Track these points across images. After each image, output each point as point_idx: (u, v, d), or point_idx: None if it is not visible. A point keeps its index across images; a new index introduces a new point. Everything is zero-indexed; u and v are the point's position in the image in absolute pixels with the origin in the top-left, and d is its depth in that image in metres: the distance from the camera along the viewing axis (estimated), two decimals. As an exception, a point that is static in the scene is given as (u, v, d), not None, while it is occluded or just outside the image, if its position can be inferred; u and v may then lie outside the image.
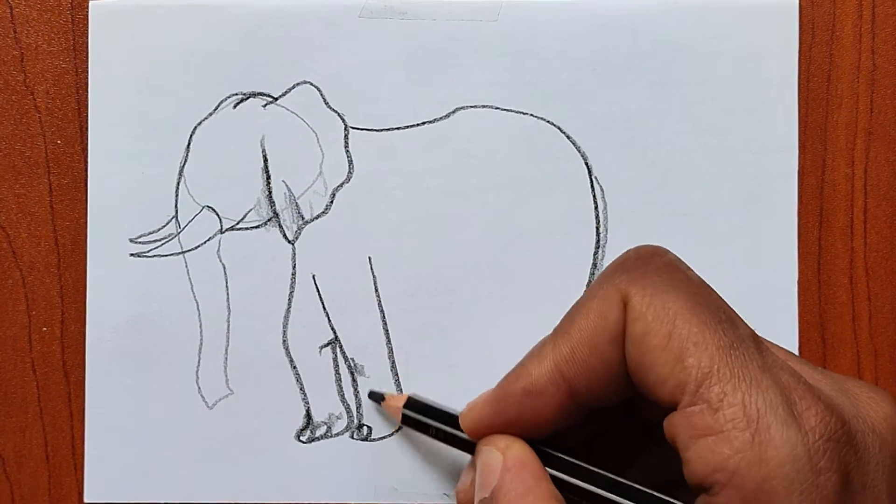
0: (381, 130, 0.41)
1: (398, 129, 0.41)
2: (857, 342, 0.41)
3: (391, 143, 0.41)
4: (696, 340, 0.28)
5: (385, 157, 0.41)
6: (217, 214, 0.41)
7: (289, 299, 0.41)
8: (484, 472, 0.32)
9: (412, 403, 0.38)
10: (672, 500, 0.29)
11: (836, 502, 0.26)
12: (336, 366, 0.41)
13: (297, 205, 0.41)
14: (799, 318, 0.41)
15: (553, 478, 0.31)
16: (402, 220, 0.41)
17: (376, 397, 0.40)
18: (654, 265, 0.30)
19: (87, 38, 0.41)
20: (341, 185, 0.41)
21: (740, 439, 0.26)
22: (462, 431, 0.34)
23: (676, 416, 0.28)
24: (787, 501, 0.26)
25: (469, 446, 0.34)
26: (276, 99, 0.41)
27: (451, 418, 0.35)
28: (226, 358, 0.41)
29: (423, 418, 0.37)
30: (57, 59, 0.42)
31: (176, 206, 0.41)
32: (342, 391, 0.41)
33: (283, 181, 0.41)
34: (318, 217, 0.41)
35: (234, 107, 0.41)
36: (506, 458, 0.31)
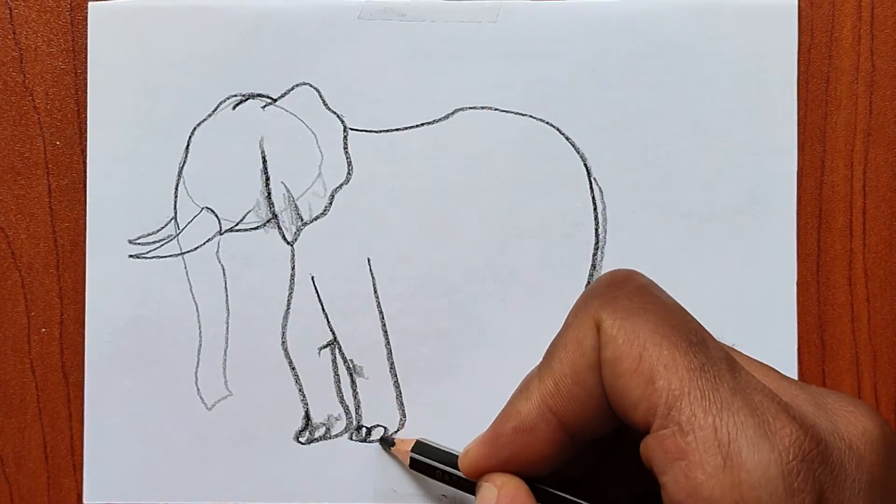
0: (381, 132, 0.41)
1: (398, 130, 0.41)
2: (855, 343, 0.41)
3: (390, 145, 0.41)
4: (665, 363, 0.27)
5: (384, 158, 0.41)
6: (216, 216, 0.41)
7: (288, 300, 0.41)
8: None
9: (420, 447, 0.38)
10: None
11: None
12: (335, 367, 0.41)
13: (296, 206, 0.41)
14: (798, 319, 0.41)
15: None
16: (401, 221, 0.41)
17: (387, 443, 0.40)
18: (625, 289, 0.30)
19: (86, 38, 0.41)
20: (340, 186, 0.41)
21: (712, 464, 0.26)
22: (455, 472, 0.35)
23: (650, 439, 0.28)
24: None
25: (473, 488, 0.34)
26: (276, 100, 0.41)
27: (456, 460, 0.35)
28: (225, 359, 0.41)
29: (429, 461, 0.37)
30: (56, 59, 0.42)
31: (175, 208, 0.41)
32: (341, 392, 0.41)
33: (282, 182, 0.41)
34: (317, 218, 0.41)
35: (234, 108, 0.41)
36: (499, 494, 0.31)
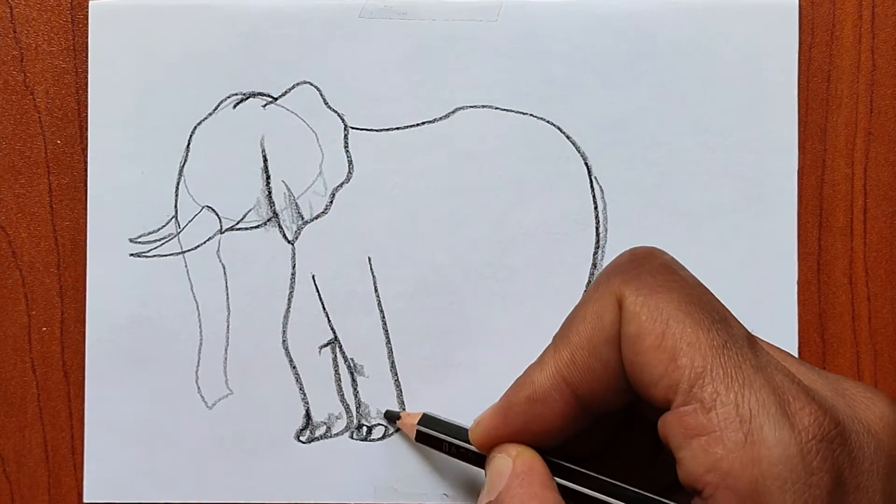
0: (381, 130, 0.41)
1: (398, 129, 0.41)
2: (856, 342, 0.41)
3: (391, 143, 0.41)
4: (689, 340, 0.28)
5: (385, 157, 0.41)
6: (217, 214, 0.41)
7: (288, 299, 0.41)
8: (493, 477, 0.32)
9: (426, 420, 0.38)
10: (666, 501, 0.29)
11: (829, 503, 0.26)
12: (336, 366, 0.41)
13: (296, 205, 0.41)
14: (799, 318, 0.41)
15: (561, 487, 0.31)
16: (402, 220, 0.41)
17: (392, 416, 0.40)
18: (648, 266, 0.30)
19: (87, 38, 0.41)
20: (341, 185, 0.41)
21: (733, 439, 0.26)
22: (464, 445, 0.35)
23: (669, 415, 0.28)
24: (780, 501, 0.26)
25: (482, 461, 0.34)
26: (276, 99, 0.41)
27: (464, 433, 0.35)
28: (225, 358, 0.41)
29: (436, 434, 0.37)
30: (57, 59, 0.42)
31: (176, 206, 0.41)
32: (342, 391, 0.41)
33: (282, 181, 0.41)
34: (317, 217, 0.41)
35: (234, 107, 0.41)
36: (515, 463, 0.31)
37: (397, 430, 0.41)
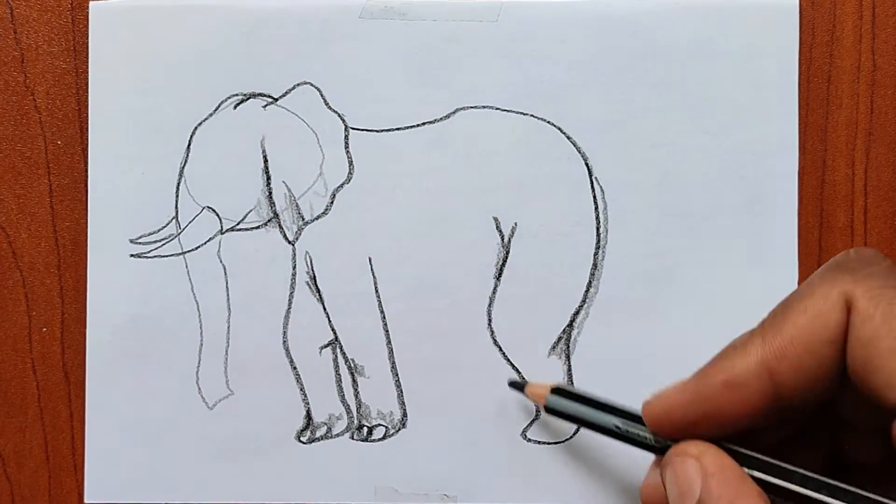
0: (382, 131, 0.41)
1: (398, 129, 0.41)
2: (857, 343, 0.41)
3: (391, 144, 0.41)
4: None
5: (385, 157, 0.41)
6: (217, 215, 0.41)
7: (289, 300, 0.41)
8: (681, 483, 0.30)
9: (559, 391, 0.36)
10: (886, 501, 0.28)
11: None
12: (336, 366, 0.41)
13: (297, 205, 0.41)
14: (799, 318, 0.41)
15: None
16: (402, 221, 0.41)
17: (518, 385, 0.39)
18: (877, 268, 0.29)
19: (87, 38, 0.41)
20: (341, 185, 0.41)
21: None
22: (625, 423, 0.33)
23: None
24: None
25: (631, 439, 0.33)
26: (277, 99, 0.41)
27: (605, 406, 0.34)
28: (226, 358, 0.41)
29: (574, 405, 0.35)
30: (57, 59, 0.42)
31: (176, 207, 0.41)
32: (342, 392, 0.41)
33: (283, 182, 0.41)
34: (318, 218, 0.41)
35: (235, 107, 0.41)
36: (704, 463, 0.30)
37: (397, 430, 0.41)
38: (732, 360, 0.30)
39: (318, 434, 0.41)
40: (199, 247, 0.41)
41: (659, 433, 0.32)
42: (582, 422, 0.35)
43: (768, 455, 0.31)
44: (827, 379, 0.29)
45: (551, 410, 0.36)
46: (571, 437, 0.40)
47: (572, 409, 0.35)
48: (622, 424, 0.33)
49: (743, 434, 0.31)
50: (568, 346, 0.41)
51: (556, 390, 0.36)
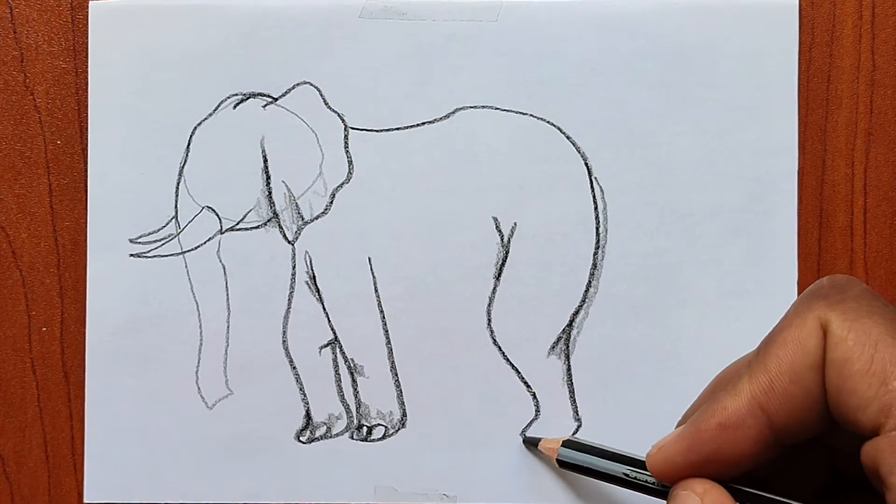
0: (381, 131, 0.41)
1: (398, 129, 0.41)
2: (856, 343, 0.41)
3: (391, 144, 0.41)
4: None
5: (385, 157, 0.41)
6: (217, 215, 0.41)
7: (288, 299, 0.41)
8: None
9: (570, 444, 0.37)
10: None
11: None
12: (336, 366, 0.41)
13: (296, 205, 0.41)
14: (799, 318, 0.41)
15: None
16: (402, 220, 0.41)
17: (531, 441, 0.40)
18: (850, 293, 0.30)
19: (87, 38, 0.41)
20: (341, 185, 0.41)
21: None
22: (633, 470, 0.34)
23: (880, 440, 0.27)
24: None
25: (641, 487, 0.34)
26: (276, 99, 0.41)
27: (615, 456, 0.35)
28: (225, 358, 0.41)
29: (584, 456, 0.36)
30: (57, 59, 0.42)
31: (176, 207, 0.41)
32: (342, 391, 0.41)
33: (282, 181, 0.41)
34: (317, 217, 0.41)
35: (234, 107, 0.41)
36: (704, 501, 0.30)
37: (397, 430, 0.41)
38: (724, 401, 0.31)
39: (317, 434, 0.41)
40: (198, 246, 0.41)
41: (665, 481, 0.32)
42: (592, 473, 0.36)
43: (772, 476, 0.32)
44: (815, 407, 0.29)
45: (564, 464, 0.37)
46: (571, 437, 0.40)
47: (582, 459, 0.36)
48: (630, 472, 0.34)
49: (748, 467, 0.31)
50: (567, 346, 0.41)
51: (567, 443, 0.37)
